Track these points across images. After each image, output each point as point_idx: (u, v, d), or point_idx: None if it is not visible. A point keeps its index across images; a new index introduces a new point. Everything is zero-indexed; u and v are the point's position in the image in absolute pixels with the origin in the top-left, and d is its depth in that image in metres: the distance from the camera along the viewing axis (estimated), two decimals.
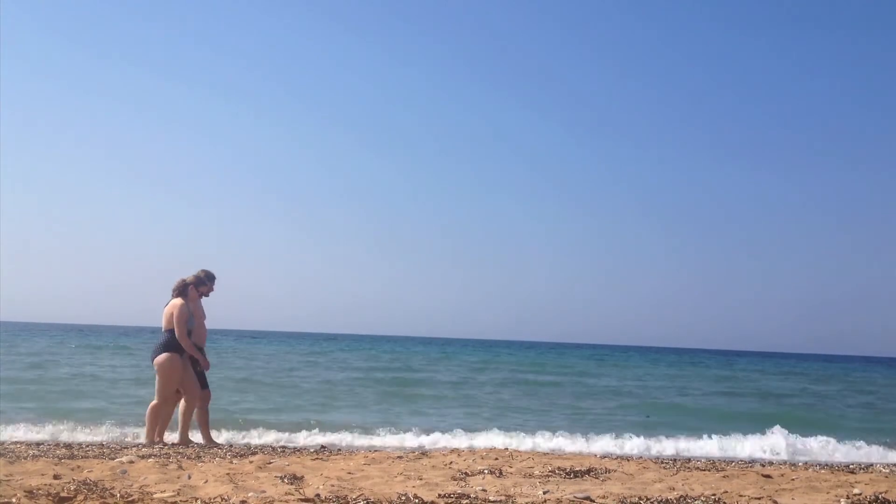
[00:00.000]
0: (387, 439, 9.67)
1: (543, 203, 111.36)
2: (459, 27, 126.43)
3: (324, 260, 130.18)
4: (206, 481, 4.78)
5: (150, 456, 6.51)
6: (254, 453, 7.15)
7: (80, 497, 4.10)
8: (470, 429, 10.35)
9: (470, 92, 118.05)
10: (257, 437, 9.51)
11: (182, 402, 7.33)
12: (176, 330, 7.03)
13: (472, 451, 7.10)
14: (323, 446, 8.81)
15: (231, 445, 8.59)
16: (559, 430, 10.40)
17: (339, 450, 8.22)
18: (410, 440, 9.63)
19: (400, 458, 6.44)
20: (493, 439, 9.62)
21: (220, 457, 6.71)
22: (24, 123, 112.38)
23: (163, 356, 7.05)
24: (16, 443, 7.91)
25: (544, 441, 9.84)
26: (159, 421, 7.28)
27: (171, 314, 7.14)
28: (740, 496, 4.56)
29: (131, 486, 4.56)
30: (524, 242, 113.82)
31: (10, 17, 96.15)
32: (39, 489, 4.20)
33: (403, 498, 4.29)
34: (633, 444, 9.88)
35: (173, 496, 4.25)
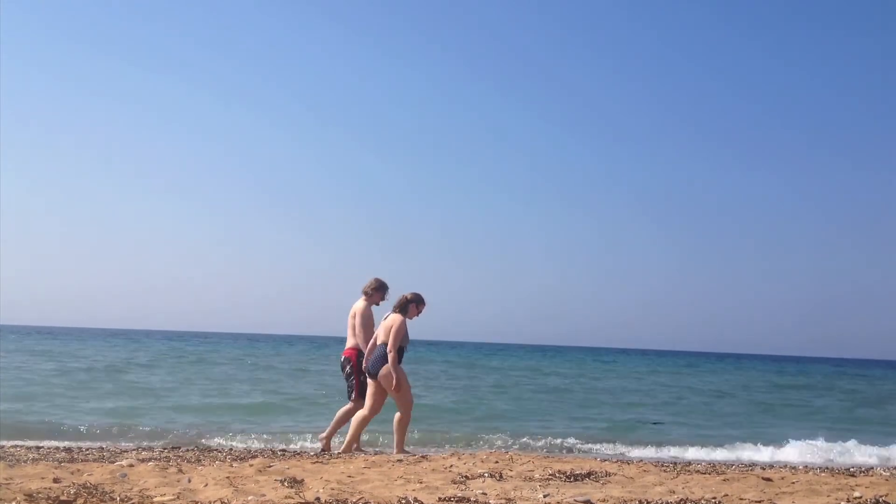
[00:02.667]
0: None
1: (543, 203, 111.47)
2: (459, 28, 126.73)
3: (323, 260, 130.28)
4: (206, 485, 4.78)
5: (149, 459, 6.50)
6: (254, 457, 7.14)
7: (80, 501, 4.10)
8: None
9: (470, 92, 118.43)
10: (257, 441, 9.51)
11: (362, 411, 7.29)
12: (389, 342, 7.04)
13: (472, 454, 7.09)
14: (323, 449, 8.81)
15: (231, 449, 8.60)
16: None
17: (339, 453, 8.22)
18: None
19: (400, 461, 6.43)
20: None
21: (219, 460, 6.71)
22: (25, 123, 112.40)
23: (386, 368, 7.05)
24: (15, 446, 7.91)
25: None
26: (360, 430, 7.31)
27: (391, 328, 7.12)
28: (741, 499, 4.56)
29: (131, 489, 4.55)
30: (524, 242, 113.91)
31: (11, 17, 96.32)
32: (39, 493, 4.19)
33: (404, 501, 4.29)
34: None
35: (173, 500, 4.24)
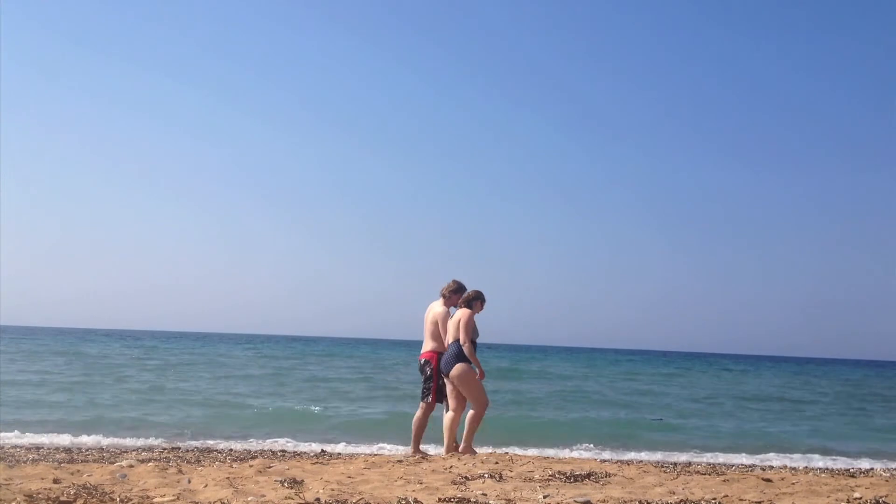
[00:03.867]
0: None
1: (543, 204, 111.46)
2: (459, 29, 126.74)
3: (323, 261, 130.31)
4: (206, 485, 4.78)
5: (149, 460, 6.51)
6: (254, 457, 7.15)
7: (80, 501, 4.10)
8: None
9: (470, 94, 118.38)
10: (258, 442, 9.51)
11: (450, 413, 7.24)
12: (462, 336, 7.01)
13: (472, 455, 7.09)
14: (323, 450, 8.82)
15: (231, 449, 8.61)
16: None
17: (339, 454, 8.22)
18: None
19: (400, 462, 6.43)
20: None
21: (219, 460, 6.71)
22: (25, 124, 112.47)
23: (459, 366, 7.02)
24: (15, 447, 7.91)
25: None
26: (454, 431, 7.21)
27: (459, 323, 7.10)
28: (740, 500, 4.56)
29: (131, 490, 4.55)
30: (524, 243, 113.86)
31: (11, 17, 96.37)
32: (39, 493, 4.19)
33: (404, 502, 4.29)
34: None
35: (173, 500, 4.24)
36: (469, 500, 4.38)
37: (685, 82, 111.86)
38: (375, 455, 7.69)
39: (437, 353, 7.26)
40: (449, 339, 7.14)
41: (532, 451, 9.56)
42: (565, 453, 9.76)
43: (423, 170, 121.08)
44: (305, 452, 8.31)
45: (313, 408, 14.44)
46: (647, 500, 4.48)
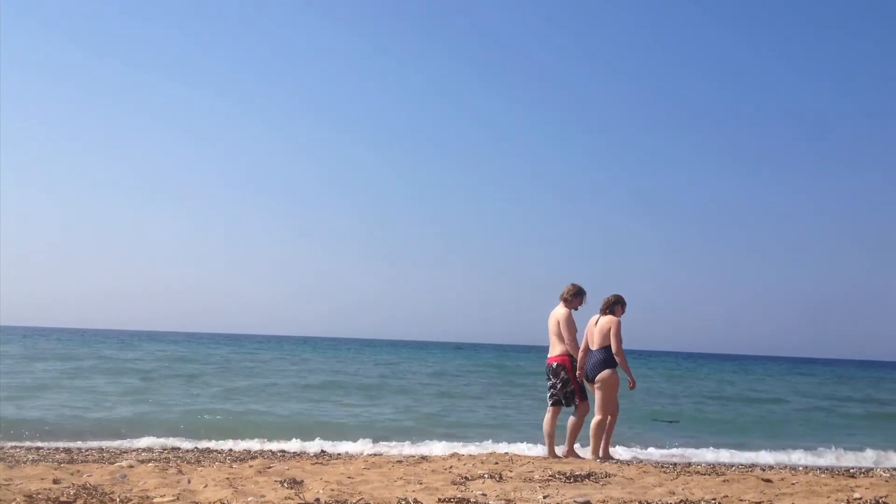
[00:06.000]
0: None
1: (543, 204, 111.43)
2: (459, 29, 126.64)
3: (324, 261, 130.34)
4: (206, 486, 4.78)
5: (149, 460, 6.51)
6: (254, 457, 7.15)
7: (80, 501, 4.10)
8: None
9: (470, 93, 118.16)
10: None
11: (596, 417, 7.26)
12: (614, 345, 7.06)
13: (472, 455, 7.10)
14: (323, 450, 8.81)
15: (231, 450, 8.60)
16: None
17: (339, 454, 8.22)
18: None
19: (400, 462, 6.44)
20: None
21: (219, 461, 6.71)
22: (24, 125, 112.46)
23: (605, 372, 7.06)
24: (15, 447, 7.91)
25: None
26: (605, 435, 7.24)
27: (608, 331, 7.13)
28: (740, 500, 4.56)
29: (131, 490, 4.55)
30: (524, 244, 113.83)
31: (11, 17, 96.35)
32: (39, 493, 4.19)
33: (403, 502, 4.29)
34: None
35: (173, 500, 4.25)
36: (469, 501, 4.38)
37: (685, 83, 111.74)
38: (375, 455, 7.69)
39: (570, 357, 7.26)
40: (593, 346, 7.19)
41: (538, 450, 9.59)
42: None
43: (423, 170, 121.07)
44: (305, 452, 8.31)
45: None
46: (646, 501, 4.48)
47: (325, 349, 54.68)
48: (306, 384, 19.63)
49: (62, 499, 4.10)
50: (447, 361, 39.17)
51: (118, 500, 4.22)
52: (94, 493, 4.35)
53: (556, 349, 7.31)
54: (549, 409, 7.35)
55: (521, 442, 9.85)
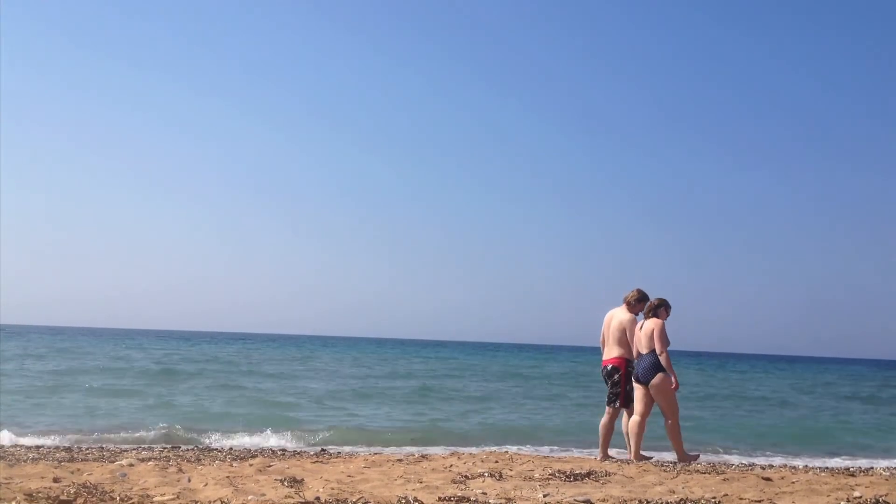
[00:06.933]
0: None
1: (544, 204, 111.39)
2: (459, 29, 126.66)
3: (324, 261, 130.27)
4: (206, 484, 4.78)
5: (149, 459, 6.51)
6: (254, 456, 7.15)
7: (80, 500, 4.10)
8: None
9: (470, 94, 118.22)
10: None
11: (632, 418, 7.30)
12: (658, 346, 7.12)
13: (472, 454, 7.10)
14: (323, 449, 8.82)
15: (231, 448, 8.60)
16: None
17: (339, 453, 8.23)
18: None
19: (400, 461, 6.44)
20: None
21: (219, 459, 6.71)
22: (24, 124, 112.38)
23: (658, 377, 7.11)
24: (15, 446, 7.92)
25: None
26: (673, 435, 7.32)
27: (651, 333, 7.19)
28: (740, 499, 4.56)
29: (131, 489, 4.55)
30: (524, 244, 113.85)
31: (11, 17, 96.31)
32: (39, 492, 4.19)
33: (403, 501, 4.29)
34: None
35: (173, 499, 4.25)
36: (469, 499, 4.38)
37: (686, 83, 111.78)
38: (375, 454, 7.69)
39: (626, 360, 7.30)
40: (642, 349, 7.24)
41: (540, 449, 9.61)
42: (566, 453, 9.74)
43: (423, 169, 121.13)
44: (305, 451, 8.31)
45: None
46: (647, 499, 4.48)
47: (344, 348, 54.58)
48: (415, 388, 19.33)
49: (62, 497, 4.10)
50: (512, 361, 38.58)
51: (118, 498, 4.22)
52: (94, 491, 4.35)
53: (613, 351, 7.39)
54: (608, 410, 7.42)
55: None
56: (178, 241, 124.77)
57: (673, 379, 7.15)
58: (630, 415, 7.28)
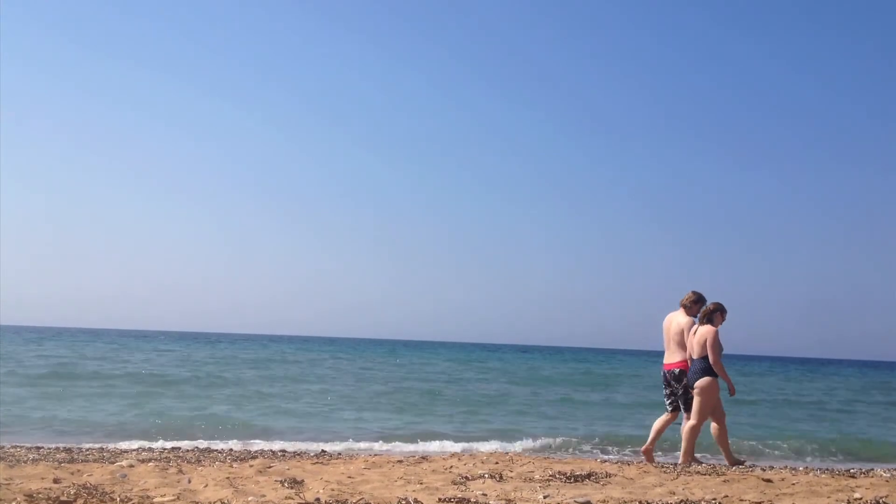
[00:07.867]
0: None
1: (546, 205, 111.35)
2: (460, 29, 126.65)
3: (325, 262, 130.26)
4: (206, 485, 4.78)
5: (149, 460, 6.51)
6: (254, 457, 7.15)
7: (80, 501, 4.10)
8: None
9: (473, 94, 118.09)
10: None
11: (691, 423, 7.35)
12: (711, 356, 7.17)
13: (472, 455, 7.10)
14: (323, 450, 8.82)
15: (231, 449, 8.60)
16: None
17: (340, 454, 8.23)
18: None
19: (400, 462, 6.44)
20: None
21: (220, 460, 6.71)
22: (24, 124, 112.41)
23: (704, 380, 7.17)
24: (15, 446, 7.91)
25: None
26: (720, 442, 7.37)
27: (705, 340, 7.22)
28: (741, 500, 4.56)
29: (131, 490, 4.55)
30: (526, 245, 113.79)
31: (11, 17, 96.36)
32: (39, 493, 4.19)
33: (404, 502, 4.29)
34: None
35: (173, 500, 4.25)
36: (469, 501, 4.38)
37: (686, 83, 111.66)
38: (375, 455, 7.69)
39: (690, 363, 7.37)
40: (694, 354, 7.28)
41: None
42: (566, 453, 9.74)
43: (424, 169, 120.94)
44: (305, 452, 8.31)
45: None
46: (647, 501, 4.48)
47: (351, 349, 54.43)
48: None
49: (62, 498, 4.10)
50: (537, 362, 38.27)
51: (118, 499, 4.22)
52: (94, 492, 4.35)
53: (675, 355, 7.44)
54: (668, 414, 7.49)
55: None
56: (179, 240, 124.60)
57: (728, 385, 7.18)
58: (688, 419, 7.32)
